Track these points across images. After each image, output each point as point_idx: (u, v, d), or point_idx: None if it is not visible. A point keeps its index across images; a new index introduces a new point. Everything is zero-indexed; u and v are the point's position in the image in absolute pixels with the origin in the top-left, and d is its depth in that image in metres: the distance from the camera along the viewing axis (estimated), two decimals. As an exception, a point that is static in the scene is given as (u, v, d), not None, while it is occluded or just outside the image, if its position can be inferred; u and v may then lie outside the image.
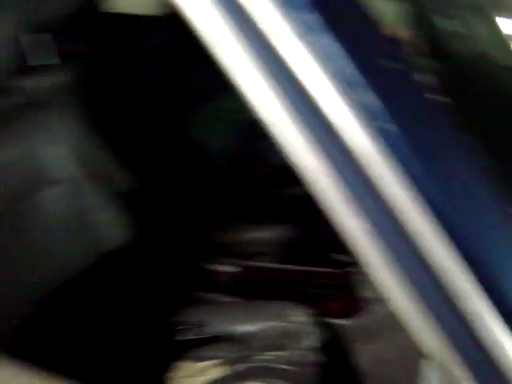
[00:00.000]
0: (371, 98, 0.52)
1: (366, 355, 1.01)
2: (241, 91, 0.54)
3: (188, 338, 1.10)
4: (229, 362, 1.04)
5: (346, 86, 0.52)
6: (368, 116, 0.52)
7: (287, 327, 1.03)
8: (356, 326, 1.08)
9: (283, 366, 0.99)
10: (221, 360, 1.04)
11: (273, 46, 0.51)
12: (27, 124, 1.03)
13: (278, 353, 1.01)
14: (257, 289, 1.26)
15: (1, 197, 0.96)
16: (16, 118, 1.03)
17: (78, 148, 1.10)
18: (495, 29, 1.23)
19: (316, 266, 1.24)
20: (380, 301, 0.95)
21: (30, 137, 1.02)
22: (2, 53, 0.96)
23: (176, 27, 0.91)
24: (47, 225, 1.04)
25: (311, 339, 1.01)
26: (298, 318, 1.06)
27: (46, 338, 1.00)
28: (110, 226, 1.13)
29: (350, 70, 0.52)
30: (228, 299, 1.27)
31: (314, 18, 0.52)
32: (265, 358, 1.01)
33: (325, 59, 0.51)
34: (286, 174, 0.75)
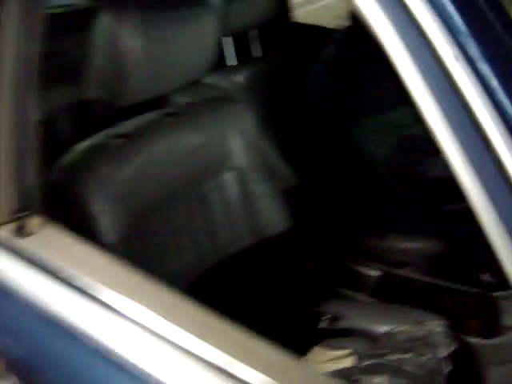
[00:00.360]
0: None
1: (496, 376, 1.01)
2: (413, 107, 0.60)
3: (326, 327, 1.18)
4: (360, 355, 1.10)
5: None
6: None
7: (422, 334, 1.07)
8: (492, 347, 1.08)
9: (412, 369, 1.02)
10: (352, 352, 1.11)
11: (448, 70, 0.57)
12: (217, 115, 1.20)
13: (408, 355, 1.05)
14: (397, 295, 1.31)
15: (193, 174, 1.13)
16: (209, 110, 1.20)
17: (253, 141, 1.24)
18: None
19: (462, 284, 1.25)
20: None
21: (219, 126, 1.18)
22: (207, 53, 1.12)
23: (357, 40, 0.99)
24: (223, 204, 1.18)
25: (444, 349, 1.04)
26: (434, 327, 1.09)
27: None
28: (270, 214, 1.25)
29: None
30: (367, 299, 1.33)
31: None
32: (395, 358, 1.06)
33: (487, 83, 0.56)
34: (447, 190, 0.79)
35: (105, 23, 0.94)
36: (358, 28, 0.62)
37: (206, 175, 1.15)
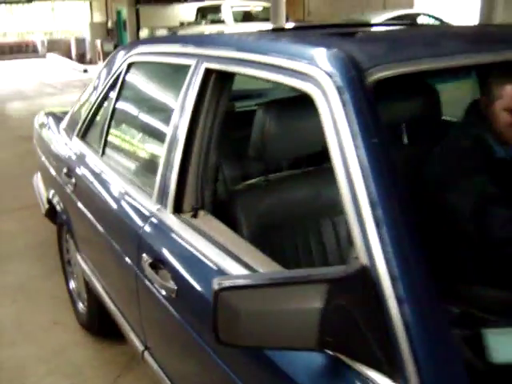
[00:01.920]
0: None
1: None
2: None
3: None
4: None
5: None
6: None
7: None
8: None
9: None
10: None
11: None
12: None
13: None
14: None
15: (313, 212, 1.68)
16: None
17: None
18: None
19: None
20: None
21: None
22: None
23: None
24: (334, 239, 1.68)
25: None
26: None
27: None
28: None
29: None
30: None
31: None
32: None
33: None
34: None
35: (259, 115, 1.62)
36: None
37: (322, 214, 1.71)
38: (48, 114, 3.29)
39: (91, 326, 2.71)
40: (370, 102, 1.04)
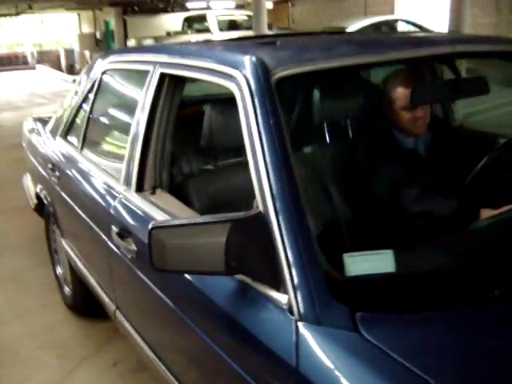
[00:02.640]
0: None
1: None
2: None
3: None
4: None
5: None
6: None
7: None
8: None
9: None
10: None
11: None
12: None
13: None
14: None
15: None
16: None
17: None
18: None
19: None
20: None
21: None
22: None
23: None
24: None
25: None
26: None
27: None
28: None
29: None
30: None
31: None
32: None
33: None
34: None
35: (207, 112, 1.97)
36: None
37: None
38: (35, 120, 3.62)
39: (76, 306, 3.03)
40: (272, 93, 1.39)
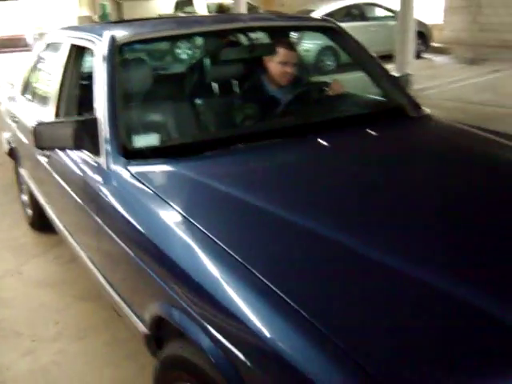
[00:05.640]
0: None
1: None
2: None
3: None
4: None
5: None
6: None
7: None
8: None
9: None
10: None
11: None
12: None
13: None
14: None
15: None
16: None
17: None
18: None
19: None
20: None
21: None
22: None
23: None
24: None
25: None
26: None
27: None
28: None
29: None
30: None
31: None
32: None
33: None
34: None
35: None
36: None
37: None
38: (10, 83, 4.65)
39: (34, 224, 4.05)
40: (115, 50, 2.36)
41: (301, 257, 1.49)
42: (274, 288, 1.33)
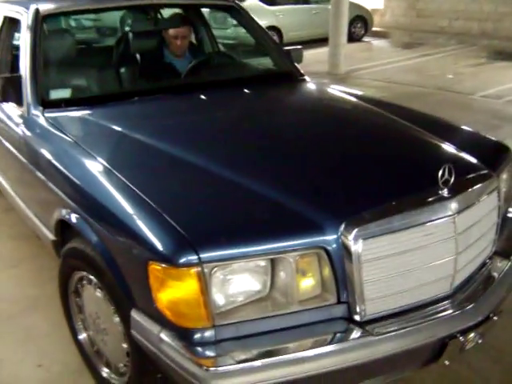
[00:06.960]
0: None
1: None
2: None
3: None
4: None
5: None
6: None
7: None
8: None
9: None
10: None
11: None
12: None
13: None
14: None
15: None
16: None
17: None
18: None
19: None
20: None
21: None
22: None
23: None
24: None
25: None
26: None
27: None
28: None
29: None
30: None
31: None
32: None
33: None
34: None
35: None
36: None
37: None
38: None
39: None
40: (39, 25, 2.85)
41: (172, 180, 2.00)
42: (142, 195, 1.83)
